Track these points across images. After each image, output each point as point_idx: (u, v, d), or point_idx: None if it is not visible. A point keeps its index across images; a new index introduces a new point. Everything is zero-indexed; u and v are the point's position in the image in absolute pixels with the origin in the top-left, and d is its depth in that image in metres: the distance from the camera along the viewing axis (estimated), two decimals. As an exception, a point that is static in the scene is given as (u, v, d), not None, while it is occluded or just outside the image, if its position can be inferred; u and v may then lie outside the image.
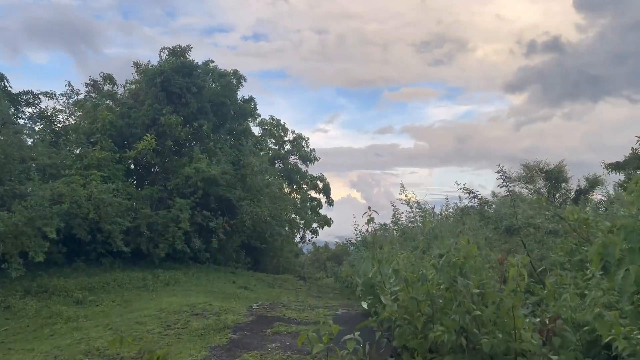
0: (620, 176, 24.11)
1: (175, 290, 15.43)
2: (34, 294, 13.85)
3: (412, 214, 29.16)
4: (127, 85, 26.51)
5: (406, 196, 28.08)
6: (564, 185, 36.91)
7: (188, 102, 23.76)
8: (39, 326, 10.89)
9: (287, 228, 28.43)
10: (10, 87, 26.62)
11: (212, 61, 28.04)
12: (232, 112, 27.25)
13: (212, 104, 25.61)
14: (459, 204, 28.42)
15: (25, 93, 27.13)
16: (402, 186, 28.27)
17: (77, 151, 21.82)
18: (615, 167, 23.75)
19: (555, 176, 36.41)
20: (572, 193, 35.90)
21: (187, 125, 23.23)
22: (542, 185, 38.04)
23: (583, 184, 35.13)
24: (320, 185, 38.06)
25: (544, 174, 37.08)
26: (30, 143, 20.56)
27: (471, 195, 30.19)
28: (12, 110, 21.90)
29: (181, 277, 18.05)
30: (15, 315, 11.97)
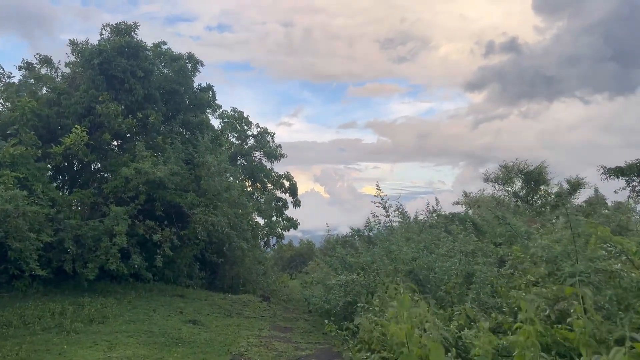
0: (620, 182, 21.62)
1: (99, 333, 11.57)
2: None
3: (387, 218, 25.99)
4: (60, 68, 22.28)
5: (381, 197, 24.84)
6: (543, 187, 34.71)
7: (132, 89, 19.74)
8: None
9: (250, 233, 24.71)
10: None
11: (165, 43, 24.06)
12: (187, 102, 23.34)
13: (162, 91, 21.69)
14: (435, 206, 25.58)
15: None
16: (378, 187, 25.08)
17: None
18: (616, 172, 21.19)
19: (535, 178, 34.11)
20: (552, 196, 33.74)
21: (130, 116, 19.24)
22: (520, 187, 35.78)
23: (565, 186, 32.95)
24: (287, 184, 34.54)
25: (523, 176, 34.76)
26: None
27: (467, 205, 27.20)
28: None
29: (113, 307, 14.19)
30: None
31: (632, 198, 21.17)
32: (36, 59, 22.59)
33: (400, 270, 13.06)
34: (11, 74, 21.27)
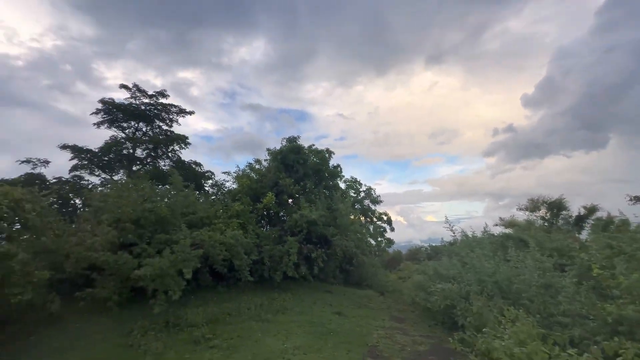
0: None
1: (281, 323, 9.60)
2: (171, 326, 8.80)
3: (454, 237, 21.11)
4: (262, 162, 22.40)
5: (449, 224, 20.20)
6: (563, 212, 26.85)
7: (297, 170, 18.91)
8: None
9: (367, 250, 21.56)
10: (199, 169, 23.98)
11: (313, 145, 23.30)
12: (326, 175, 21.90)
13: (312, 170, 20.57)
14: (485, 228, 20.26)
15: (209, 172, 24.13)
16: (447, 219, 20.47)
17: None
18: (642, 199, 14.80)
19: (557, 206, 26.55)
20: (572, 218, 25.83)
21: (297, 185, 18.21)
22: (544, 213, 28.16)
23: (582, 211, 25.10)
24: (385, 218, 31.05)
25: (547, 205, 27.33)
26: (201, 202, 16.63)
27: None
28: (192, 183, 18.00)
29: (290, 301, 12.26)
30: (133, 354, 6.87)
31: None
32: (253, 161, 23.02)
33: (485, 281, 9.34)
34: (240, 169, 21.78)
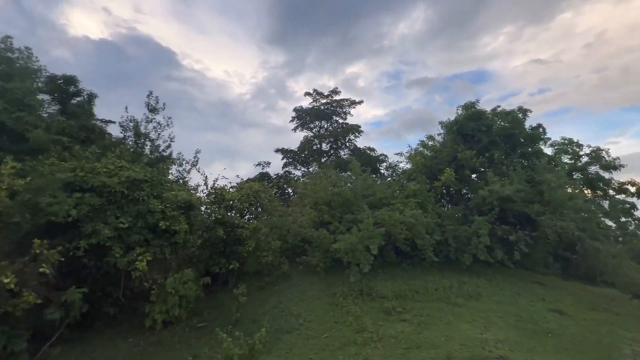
0: None
1: (475, 309, 8.64)
2: (365, 295, 9.95)
3: None
4: (435, 137, 20.84)
5: None
6: None
7: (479, 140, 16.23)
8: (341, 345, 6.72)
9: (600, 233, 15.66)
10: (373, 154, 25.57)
11: (499, 106, 19.21)
12: (522, 140, 17.52)
13: (501, 137, 17.02)
14: None
15: (382, 155, 25.51)
16: None
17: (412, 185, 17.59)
18: None
19: None
20: None
21: (480, 157, 15.68)
22: None
23: None
24: (632, 189, 21.30)
25: None
26: (377, 184, 17.70)
27: None
28: (368, 168, 19.45)
29: (485, 287, 10.78)
30: (340, 318, 8.26)
31: None
32: (425, 138, 22.02)
33: None
34: (412, 149, 21.25)
